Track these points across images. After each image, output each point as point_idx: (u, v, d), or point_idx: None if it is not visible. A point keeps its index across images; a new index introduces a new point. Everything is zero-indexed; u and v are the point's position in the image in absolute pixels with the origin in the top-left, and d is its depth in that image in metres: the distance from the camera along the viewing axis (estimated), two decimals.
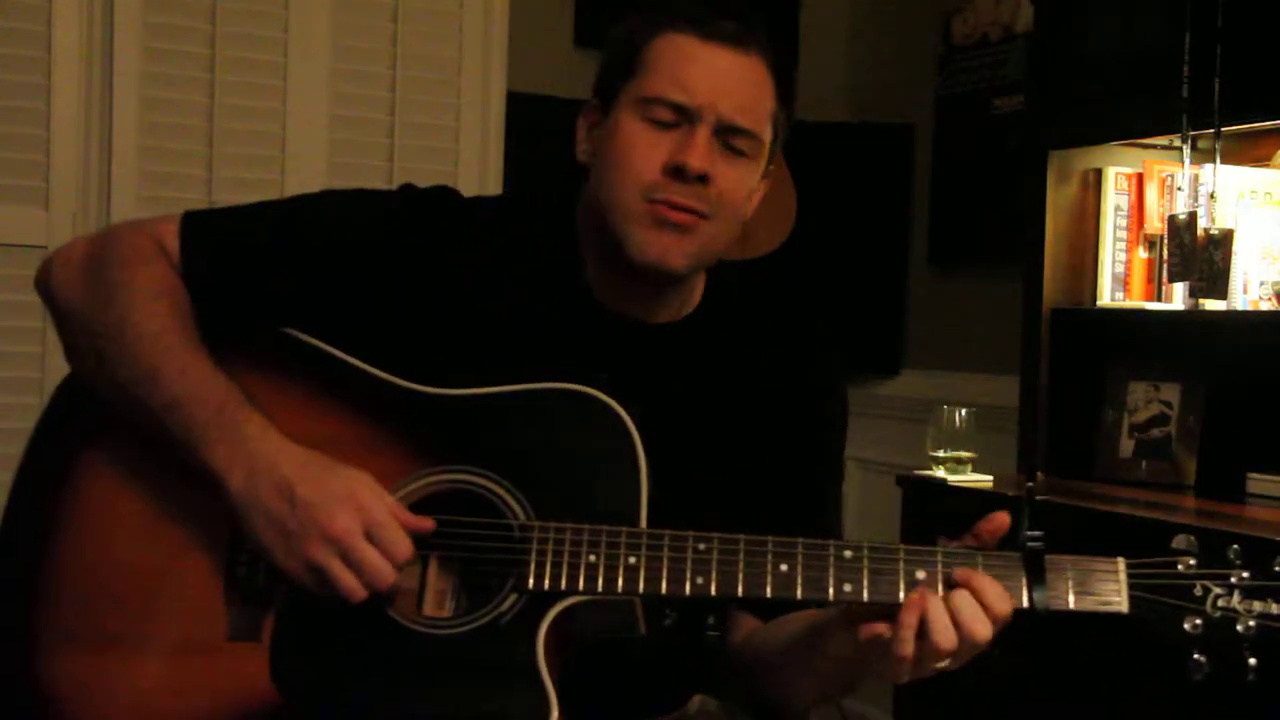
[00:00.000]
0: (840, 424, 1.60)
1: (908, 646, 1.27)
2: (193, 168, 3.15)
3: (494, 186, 3.38)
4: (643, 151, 1.42)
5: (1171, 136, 2.84)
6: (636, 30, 1.46)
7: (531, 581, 1.33)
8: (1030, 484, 1.34)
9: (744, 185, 1.46)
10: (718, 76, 1.42)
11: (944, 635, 1.26)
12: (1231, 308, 2.74)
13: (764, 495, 1.47)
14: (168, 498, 1.41)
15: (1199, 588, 1.28)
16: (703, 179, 1.41)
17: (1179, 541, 1.30)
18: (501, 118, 3.41)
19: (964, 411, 3.00)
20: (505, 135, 3.40)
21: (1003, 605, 1.27)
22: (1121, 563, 1.29)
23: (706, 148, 1.41)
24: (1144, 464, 2.95)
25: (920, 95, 3.92)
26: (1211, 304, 2.76)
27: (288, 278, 1.46)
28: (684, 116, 1.42)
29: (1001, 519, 1.32)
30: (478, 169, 3.38)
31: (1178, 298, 2.89)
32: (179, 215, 1.50)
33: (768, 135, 1.47)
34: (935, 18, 3.87)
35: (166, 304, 1.42)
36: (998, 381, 3.35)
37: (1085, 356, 3.06)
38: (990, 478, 2.94)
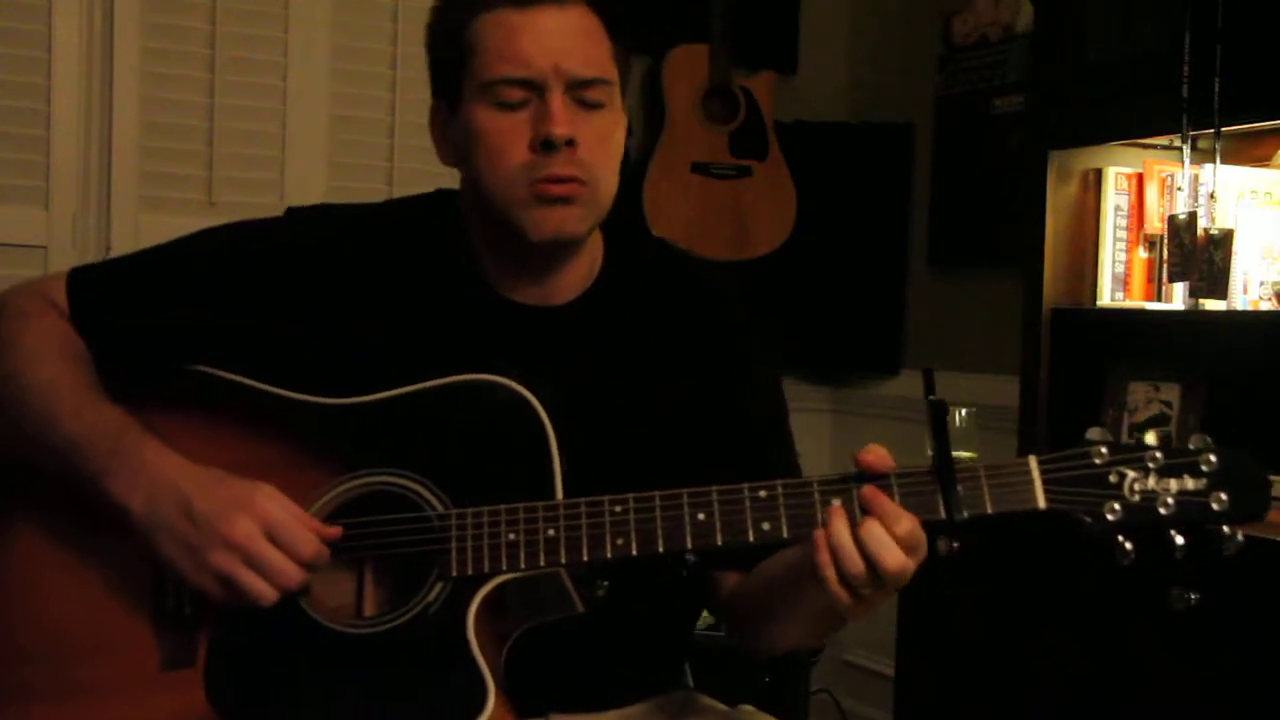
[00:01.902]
0: (762, 361, 1.58)
1: (829, 576, 1.27)
2: (193, 168, 3.15)
3: None
4: (506, 138, 1.42)
5: (1171, 136, 2.84)
6: (452, 19, 1.46)
7: (454, 568, 1.34)
8: (931, 396, 1.34)
9: (610, 135, 1.47)
10: (548, 38, 1.42)
11: (853, 563, 1.26)
12: (1231, 308, 2.74)
13: (698, 456, 1.47)
14: (88, 543, 1.43)
15: (1114, 475, 1.28)
16: (570, 144, 1.41)
17: (1092, 433, 1.30)
18: None
19: (964, 411, 3.00)
20: None
21: (903, 524, 1.26)
22: (1033, 460, 1.29)
23: (564, 112, 1.41)
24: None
25: (920, 95, 3.92)
26: (1211, 304, 2.76)
27: (179, 318, 1.48)
28: (532, 90, 1.41)
29: (878, 449, 1.31)
30: None
31: (1178, 298, 2.89)
32: (66, 272, 1.53)
33: (615, 76, 1.47)
34: (935, 18, 3.87)
35: (54, 353, 1.45)
36: (998, 381, 3.35)
37: (1085, 356, 3.06)
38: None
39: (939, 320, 3.91)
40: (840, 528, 1.27)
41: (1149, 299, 2.98)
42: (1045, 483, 1.28)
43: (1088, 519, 1.27)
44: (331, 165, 3.26)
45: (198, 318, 1.48)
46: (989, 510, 1.28)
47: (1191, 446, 1.28)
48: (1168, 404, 2.95)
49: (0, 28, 2.98)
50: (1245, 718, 2.31)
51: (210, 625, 1.39)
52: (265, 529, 1.33)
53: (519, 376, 1.39)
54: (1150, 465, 1.27)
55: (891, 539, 1.26)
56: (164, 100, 3.13)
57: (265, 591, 1.33)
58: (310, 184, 3.19)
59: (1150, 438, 1.29)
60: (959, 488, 1.28)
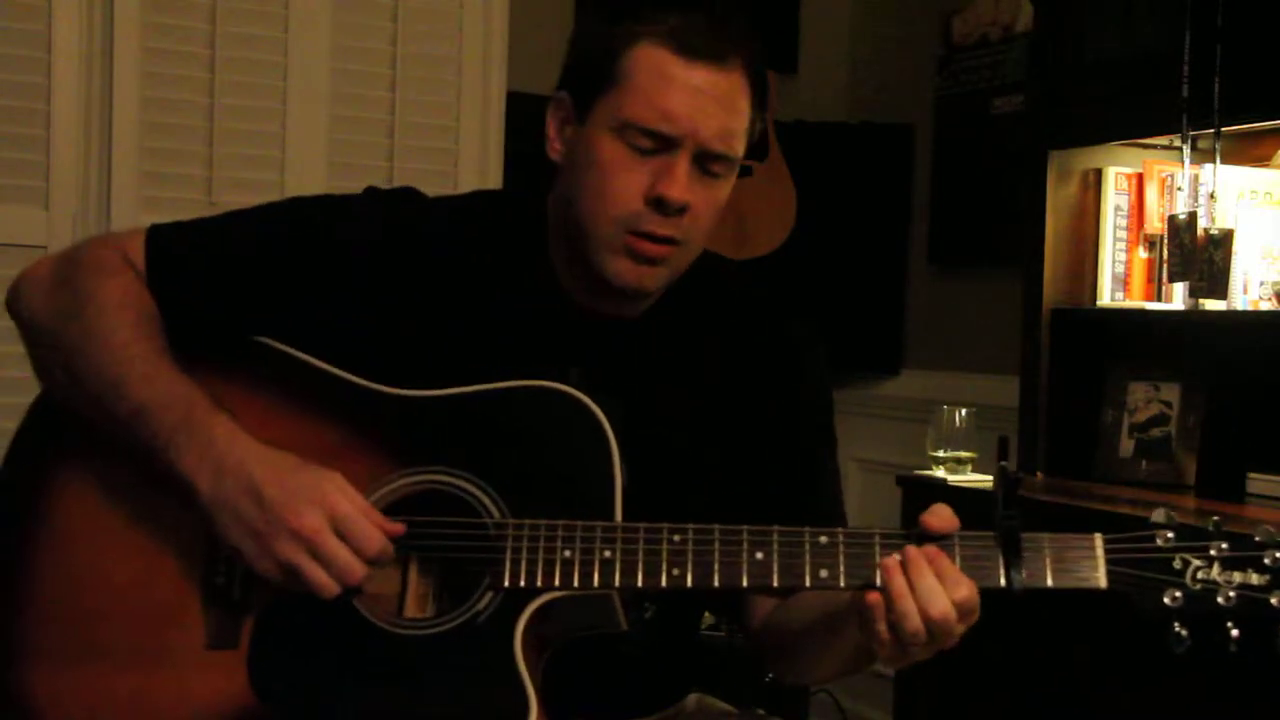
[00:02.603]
0: (822, 402, 1.58)
1: (879, 629, 1.27)
2: (193, 168, 3.15)
3: (494, 186, 3.38)
4: (623, 180, 1.40)
5: (1171, 136, 2.84)
6: (613, 35, 1.42)
7: (507, 579, 1.34)
8: (1004, 463, 1.33)
9: (718, 205, 1.45)
10: (698, 100, 1.39)
11: (908, 617, 1.26)
12: (1231, 308, 2.74)
13: (750, 483, 1.47)
14: (143, 509, 1.41)
15: (1178, 560, 1.27)
16: (682, 210, 1.40)
17: (1158, 515, 1.29)
18: (501, 118, 3.41)
19: (964, 411, 3.00)
20: (505, 135, 3.40)
21: (959, 587, 1.26)
22: (1099, 539, 1.29)
23: (687, 179, 1.40)
24: (1144, 464, 2.95)
25: (920, 95, 3.92)
26: (1211, 304, 2.76)
27: (255, 286, 1.46)
28: (664, 144, 1.39)
29: (944, 510, 1.31)
30: (478, 169, 3.38)
31: (1178, 298, 2.89)
32: (145, 229, 1.50)
33: (743, 149, 1.45)
34: (935, 18, 3.87)
35: (131, 314, 1.43)
36: (998, 381, 3.35)
37: (1085, 356, 3.06)
38: (990, 478, 2.93)
39: (939, 320, 3.91)
40: (897, 578, 1.27)
41: (1149, 299, 2.98)
42: (1109, 562, 1.28)
43: (1147, 603, 1.27)
44: (331, 165, 3.26)
45: (272, 292, 1.46)
46: (1049, 584, 1.28)
47: (1258, 539, 1.27)
48: (1168, 404, 2.95)
49: (0, 28, 2.97)
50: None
51: (257, 608, 1.38)
52: (333, 522, 1.32)
53: (586, 386, 1.37)
54: (1214, 554, 1.27)
55: (944, 594, 1.26)
56: (164, 100, 3.12)
57: (327, 584, 1.32)
58: (310, 184, 3.19)
59: (1214, 525, 1.28)
60: (1022, 558, 1.28)
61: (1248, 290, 2.74)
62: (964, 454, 2.98)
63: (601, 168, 1.41)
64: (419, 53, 3.34)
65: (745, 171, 3.66)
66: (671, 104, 1.39)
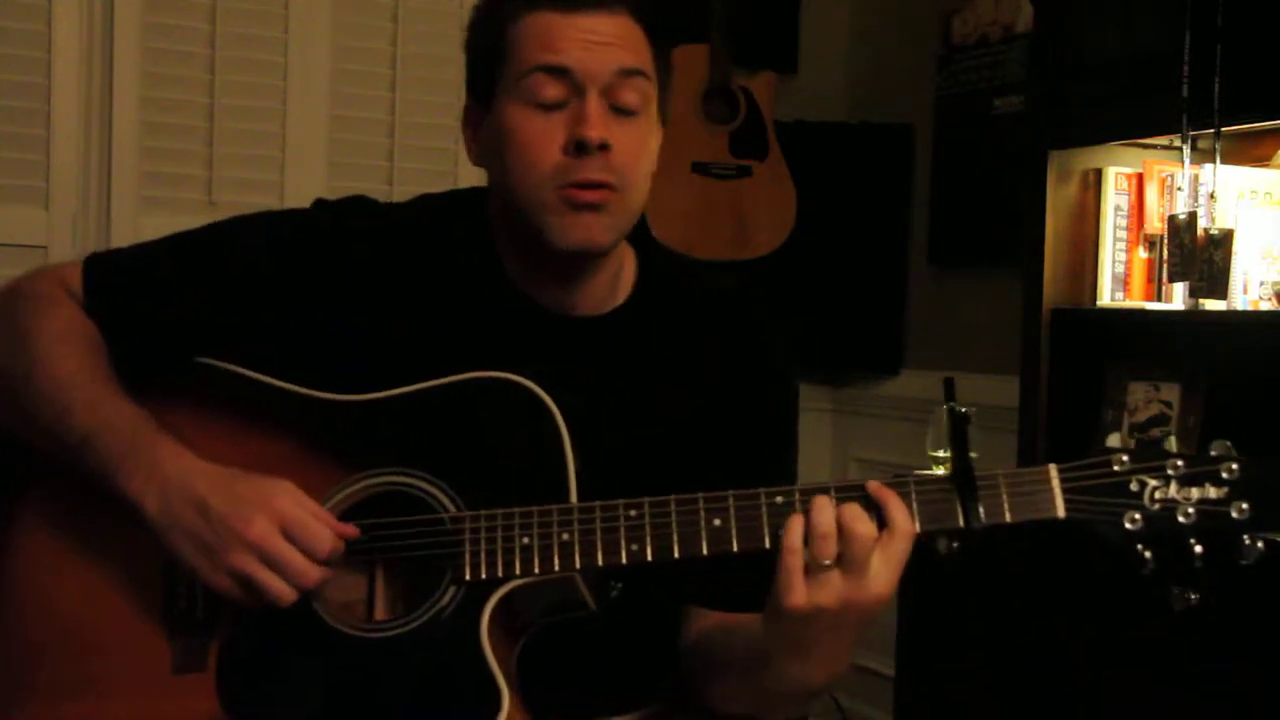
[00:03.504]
0: (785, 410, 1.57)
1: (793, 563, 1.25)
2: (193, 168, 3.15)
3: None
4: (538, 138, 1.40)
5: (1171, 136, 2.84)
6: (494, 18, 1.44)
7: (468, 572, 1.33)
8: (951, 403, 1.32)
9: (643, 143, 1.44)
10: (587, 37, 1.39)
11: (826, 541, 1.24)
12: (1231, 308, 2.74)
13: (702, 477, 1.45)
14: (102, 539, 1.42)
15: (1134, 483, 1.27)
16: (604, 147, 1.39)
17: (1111, 439, 1.29)
18: None
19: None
20: None
21: (900, 516, 1.26)
22: (1053, 468, 1.29)
23: (600, 116, 1.39)
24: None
25: (920, 95, 3.92)
26: (1211, 304, 2.76)
27: (195, 309, 1.46)
28: (568, 87, 1.39)
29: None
30: (478, 169, 3.38)
31: (1178, 298, 2.89)
32: (84, 258, 1.50)
33: (654, 79, 1.45)
34: (935, 18, 3.87)
35: (75, 344, 1.43)
36: (998, 381, 3.35)
37: (1085, 356, 3.06)
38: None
39: (939, 320, 3.91)
40: (824, 506, 1.26)
41: (1149, 299, 2.98)
42: (1065, 491, 1.28)
43: (1107, 528, 1.26)
44: (331, 165, 3.26)
45: (214, 311, 1.46)
46: (1007, 519, 1.27)
47: (1213, 453, 1.27)
48: (1168, 404, 2.95)
49: (0, 28, 2.98)
50: None
51: (221, 629, 1.38)
52: (282, 527, 1.32)
53: (535, 378, 1.37)
54: (1171, 473, 1.26)
55: (871, 521, 1.25)
56: (164, 100, 3.13)
57: (283, 591, 1.32)
58: (310, 184, 3.19)
59: (1171, 444, 1.28)
60: (978, 496, 1.27)
61: (1248, 290, 2.74)
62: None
63: (515, 134, 1.41)
64: (419, 53, 3.35)
65: (745, 172, 3.67)
66: (560, 42, 1.39)
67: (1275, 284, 2.75)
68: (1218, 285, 2.72)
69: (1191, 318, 2.85)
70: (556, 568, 1.32)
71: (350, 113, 3.30)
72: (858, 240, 3.98)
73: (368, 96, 3.32)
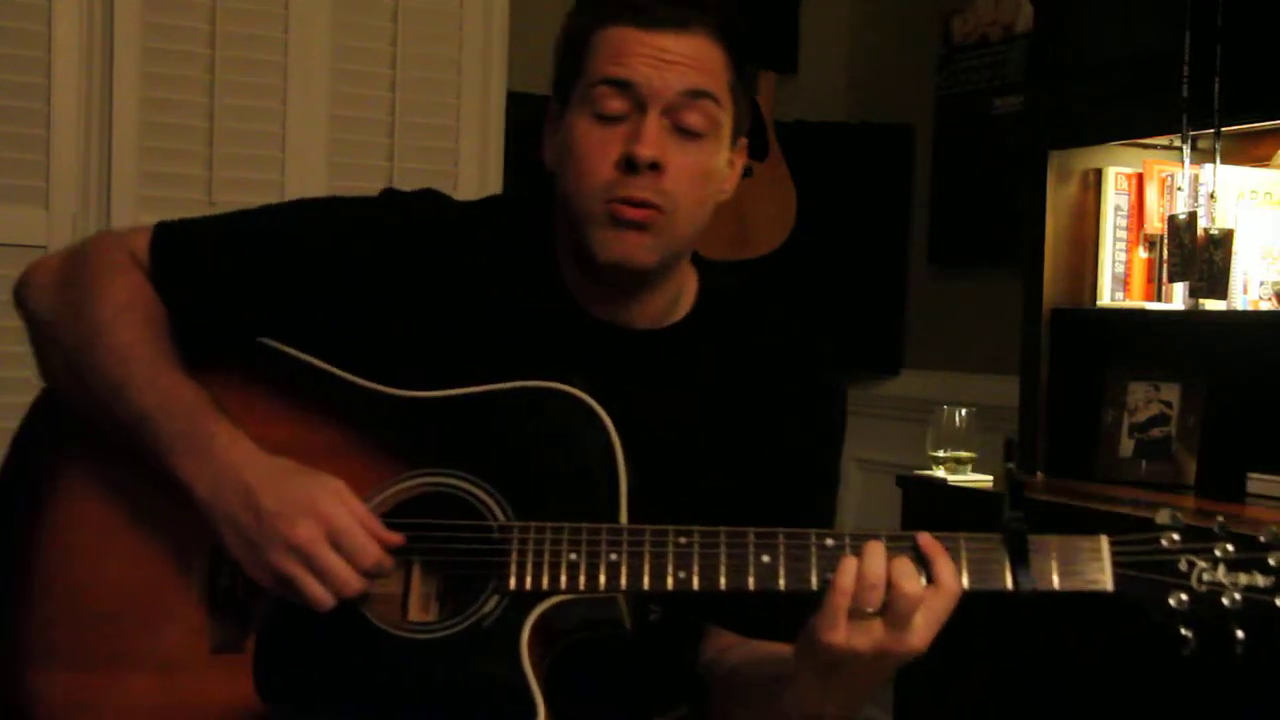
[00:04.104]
0: (834, 441, 1.56)
1: (838, 602, 1.25)
2: (193, 168, 3.15)
3: (494, 186, 3.38)
4: (595, 150, 1.39)
5: (1171, 136, 2.84)
6: (579, 26, 1.44)
7: (513, 582, 1.32)
8: (1010, 464, 1.32)
9: (702, 168, 1.42)
10: (658, 55, 1.38)
11: (873, 589, 1.24)
12: (1231, 308, 2.74)
13: (747, 507, 1.45)
14: (147, 511, 1.41)
15: (1184, 562, 1.26)
16: (655, 167, 1.37)
17: (1162, 517, 1.29)
18: (501, 118, 3.41)
19: (964, 411, 3.00)
20: (505, 135, 3.40)
21: (947, 575, 1.26)
22: (1105, 540, 1.28)
23: (656, 134, 1.37)
24: (1144, 464, 2.95)
25: (920, 95, 3.92)
26: (1211, 304, 2.76)
27: (261, 289, 1.45)
28: (631, 102, 1.38)
29: None
30: (478, 169, 3.38)
31: (1178, 298, 2.89)
32: (152, 226, 1.49)
33: (726, 106, 1.42)
34: (935, 18, 3.87)
35: (138, 315, 1.42)
36: (998, 381, 3.35)
37: (1085, 356, 3.06)
38: (990, 478, 2.94)
39: (939, 320, 3.91)
40: (877, 554, 1.26)
41: (1149, 299, 2.98)
42: (1115, 564, 1.27)
43: (1152, 605, 1.27)
44: (331, 165, 3.26)
45: (278, 292, 1.45)
46: (1056, 586, 1.27)
47: (1262, 540, 1.26)
48: (1168, 404, 2.95)
49: (0, 28, 2.98)
50: None
51: (261, 613, 1.37)
52: (329, 534, 1.31)
53: (589, 390, 1.36)
54: (1219, 555, 1.26)
55: (920, 577, 1.25)
56: (164, 100, 3.12)
57: (323, 597, 1.31)
58: (310, 184, 3.19)
59: (1219, 527, 1.28)
60: (1029, 561, 1.27)
61: (1248, 290, 2.74)
62: (964, 454, 2.98)
63: (576, 145, 1.41)
64: (419, 53, 3.34)
65: (745, 172, 3.67)
66: (630, 57, 1.39)
67: (1275, 284, 2.75)
68: (1218, 285, 2.72)
69: (1191, 318, 2.85)
70: (602, 587, 1.31)
71: (350, 113, 3.30)
72: (858, 240, 3.98)
73: (368, 96, 3.32)
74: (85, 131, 3.05)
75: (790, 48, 4.06)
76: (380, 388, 1.42)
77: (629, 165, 1.37)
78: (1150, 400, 2.97)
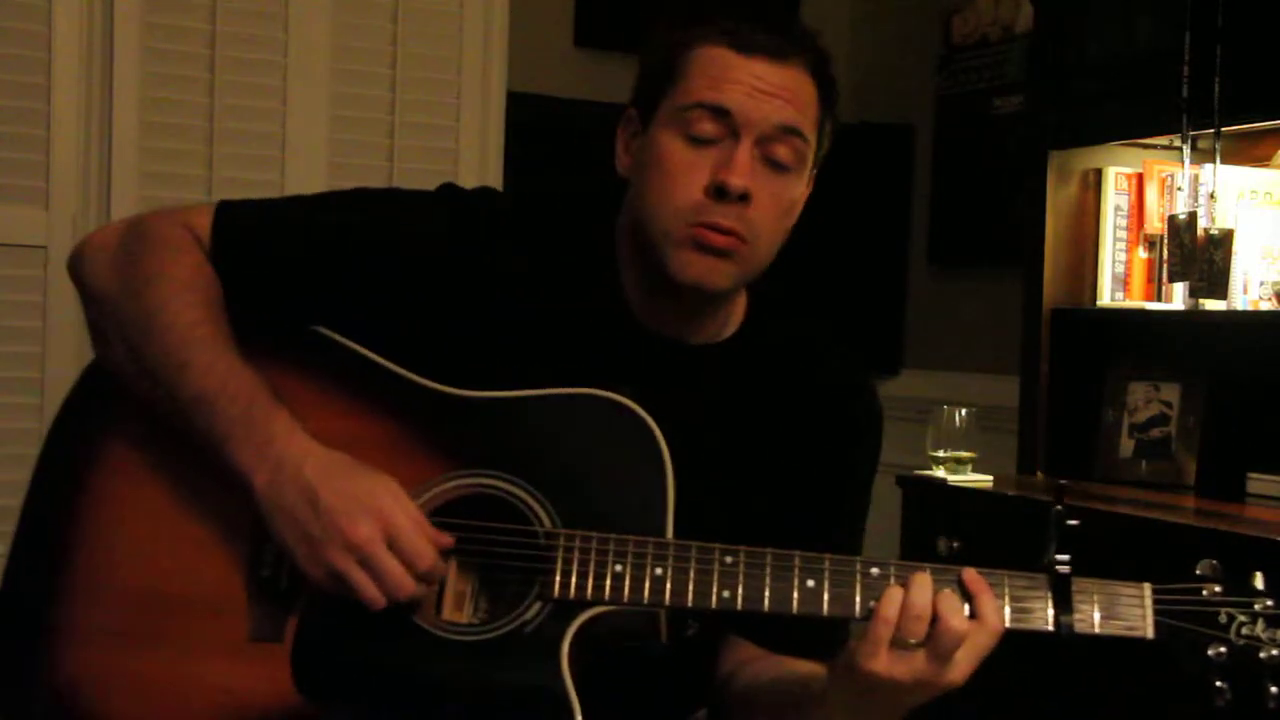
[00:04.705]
0: (870, 467, 1.58)
1: (881, 633, 1.26)
2: (193, 168, 3.15)
3: (494, 186, 3.37)
4: (684, 172, 1.38)
5: (1171, 136, 2.84)
6: (673, 41, 1.42)
7: (557, 590, 1.32)
8: (1059, 506, 1.33)
9: (785, 201, 1.43)
10: (757, 84, 1.38)
11: (918, 620, 1.25)
12: (1231, 308, 2.74)
13: (783, 525, 1.45)
14: (193, 492, 1.40)
15: (1223, 615, 1.28)
16: (744, 198, 1.38)
17: (1203, 567, 1.30)
18: (501, 118, 3.41)
19: (964, 411, 3.00)
20: (505, 135, 3.40)
21: (991, 612, 1.27)
22: (1147, 588, 1.29)
23: (749, 164, 1.38)
24: (1144, 464, 2.95)
25: (920, 95, 3.92)
26: (1211, 304, 2.76)
27: (320, 277, 1.44)
28: (725, 128, 1.38)
29: None
30: (478, 169, 3.38)
31: (1178, 298, 2.89)
32: (214, 204, 1.48)
33: (813, 141, 1.43)
34: (935, 18, 3.88)
35: (198, 296, 1.41)
36: (998, 381, 3.35)
37: (1085, 356, 3.06)
38: (990, 478, 2.94)
39: (939, 320, 3.91)
40: (923, 586, 1.27)
41: (1149, 299, 2.98)
42: (1156, 612, 1.28)
43: (1188, 655, 1.28)
44: (331, 165, 3.26)
45: (337, 282, 1.44)
46: (1096, 631, 1.28)
47: None
48: (1168, 404, 2.95)
49: (0, 28, 2.98)
50: None
51: (303, 603, 1.37)
52: (387, 535, 1.31)
53: (640, 402, 1.36)
54: (1258, 609, 1.28)
55: (965, 611, 1.26)
56: (164, 100, 3.12)
57: (376, 597, 1.31)
58: (310, 184, 3.19)
59: (1259, 581, 1.29)
60: (1073, 606, 1.28)
61: (1248, 290, 2.74)
62: (964, 454, 2.98)
63: (662, 163, 1.40)
64: (419, 53, 3.34)
65: None
66: (730, 87, 1.38)
67: (1275, 284, 2.75)
68: (1218, 285, 2.72)
69: (1191, 318, 2.85)
70: (645, 600, 1.31)
71: (350, 113, 3.30)
72: (858, 240, 3.98)
73: (368, 96, 3.31)
74: (85, 131, 3.05)
75: None
76: (432, 385, 1.42)
77: (719, 193, 1.37)
78: (1150, 400, 2.97)
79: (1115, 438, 3.00)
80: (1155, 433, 2.95)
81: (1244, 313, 2.74)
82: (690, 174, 1.38)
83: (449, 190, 1.52)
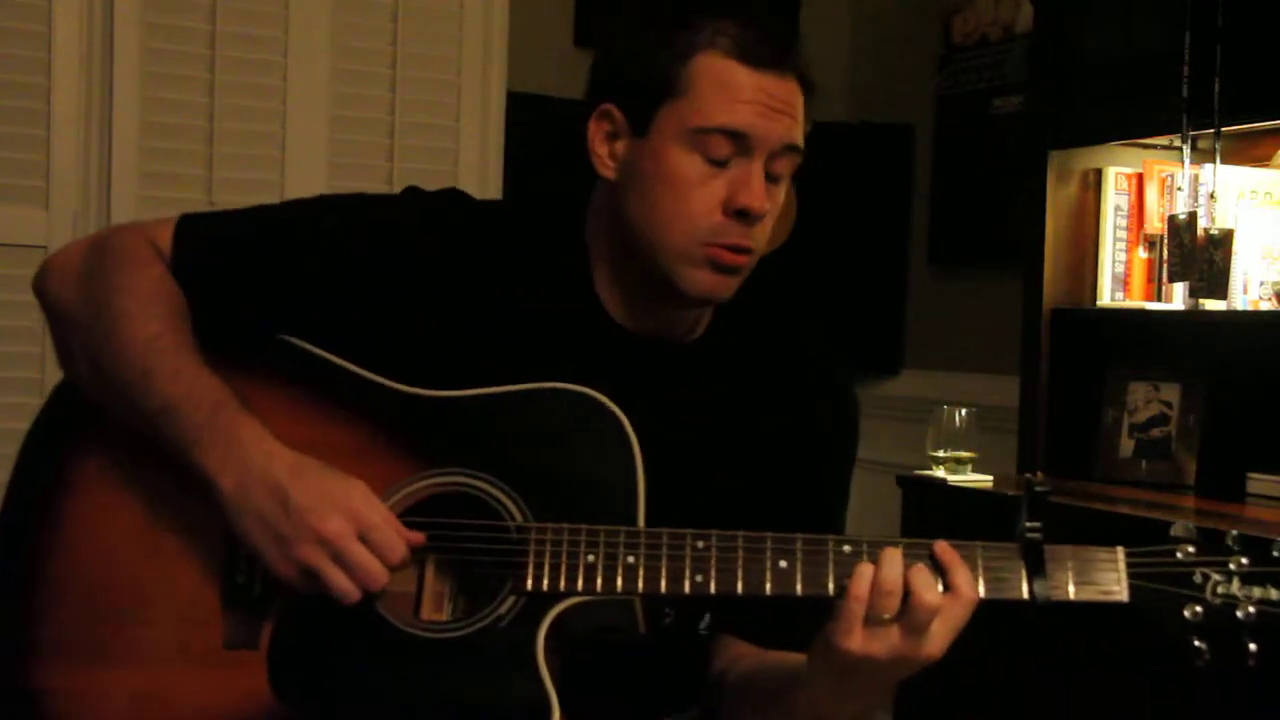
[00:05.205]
0: (848, 454, 1.58)
1: (855, 610, 1.26)
2: (193, 168, 3.15)
3: (494, 186, 3.38)
4: (700, 193, 1.38)
5: (1171, 136, 2.85)
6: (669, 45, 1.40)
7: (530, 583, 1.33)
8: (1029, 475, 1.33)
9: (778, 209, 1.45)
10: (767, 102, 1.39)
11: (890, 595, 1.25)
12: (1231, 308, 2.74)
13: (760, 517, 1.45)
14: (164, 504, 1.41)
15: (1198, 575, 1.27)
16: (761, 219, 1.40)
17: (1177, 529, 1.30)
18: (501, 118, 3.41)
19: (964, 411, 3.00)
20: (505, 135, 3.40)
21: (964, 583, 1.26)
22: (1121, 552, 1.29)
23: (763, 184, 1.39)
24: (1144, 464, 2.95)
25: (920, 95, 3.92)
26: (1211, 304, 2.76)
27: (284, 285, 1.45)
28: (738, 147, 1.38)
29: None
30: (478, 169, 3.38)
31: (1178, 298, 2.89)
32: (176, 217, 1.48)
33: (801, 155, 1.46)
34: (935, 18, 3.87)
35: (162, 308, 1.41)
36: (998, 381, 3.35)
37: (1085, 356, 3.06)
38: (990, 478, 2.94)
39: (939, 320, 3.91)
40: (893, 561, 1.27)
41: (1149, 299, 2.98)
42: (1131, 575, 1.28)
43: (1166, 617, 1.28)
44: (331, 165, 3.26)
45: (300, 289, 1.45)
46: (1071, 597, 1.28)
47: (1276, 554, 1.27)
48: (1168, 404, 2.95)
49: (0, 28, 2.98)
50: None
51: (277, 609, 1.37)
52: (358, 529, 1.31)
53: (611, 396, 1.37)
54: (1233, 569, 1.27)
55: (938, 585, 1.26)
56: (164, 100, 3.12)
57: (350, 590, 1.31)
58: (310, 184, 3.19)
59: (1234, 540, 1.29)
60: (1046, 571, 1.28)
61: (1248, 290, 2.74)
62: (964, 454, 2.98)
63: (677, 181, 1.39)
64: (419, 53, 3.34)
65: None
66: (745, 108, 1.38)
67: (1275, 284, 2.75)
68: (1218, 285, 2.72)
69: (1191, 318, 2.86)
70: (619, 589, 1.31)
71: (350, 113, 3.30)
72: (858, 240, 3.98)
73: (368, 96, 3.31)
74: (85, 131, 3.05)
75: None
76: (400, 386, 1.42)
77: (741, 215, 1.39)
78: (1150, 400, 2.98)
79: (1115, 438, 3.00)
80: (1155, 433, 2.95)
81: (1244, 313, 2.74)
82: (707, 194, 1.39)
83: (413, 193, 1.52)
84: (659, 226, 1.40)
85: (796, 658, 1.38)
